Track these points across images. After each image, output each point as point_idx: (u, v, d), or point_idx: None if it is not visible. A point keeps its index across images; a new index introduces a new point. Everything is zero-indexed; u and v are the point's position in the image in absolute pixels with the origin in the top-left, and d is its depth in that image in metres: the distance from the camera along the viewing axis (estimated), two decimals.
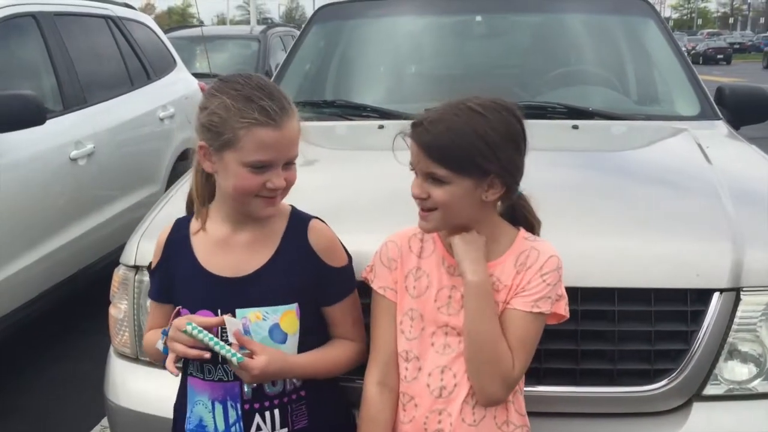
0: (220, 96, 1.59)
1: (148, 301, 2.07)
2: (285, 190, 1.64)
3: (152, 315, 1.83)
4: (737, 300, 1.83)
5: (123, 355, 2.16)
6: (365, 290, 1.75)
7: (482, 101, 1.55)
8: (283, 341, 1.66)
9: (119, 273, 2.16)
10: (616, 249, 1.88)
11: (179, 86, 5.77)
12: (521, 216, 1.68)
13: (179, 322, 1.59)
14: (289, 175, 1.62)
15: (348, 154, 2.80)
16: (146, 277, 2.08)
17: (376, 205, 2.12)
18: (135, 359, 2.13)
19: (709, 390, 1.86)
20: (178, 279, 1.73)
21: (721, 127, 3.04)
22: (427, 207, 1.56)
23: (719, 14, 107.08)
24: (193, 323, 1.56)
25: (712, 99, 3.23)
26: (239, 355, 1.54)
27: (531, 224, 1.69)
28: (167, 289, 1.75)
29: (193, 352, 1.58)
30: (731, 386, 1.86)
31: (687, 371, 1.82)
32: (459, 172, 1.51)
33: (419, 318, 1.64)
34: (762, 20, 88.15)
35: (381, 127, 2.87)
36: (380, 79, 3.53)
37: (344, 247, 1.76)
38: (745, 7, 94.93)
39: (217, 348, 1.54)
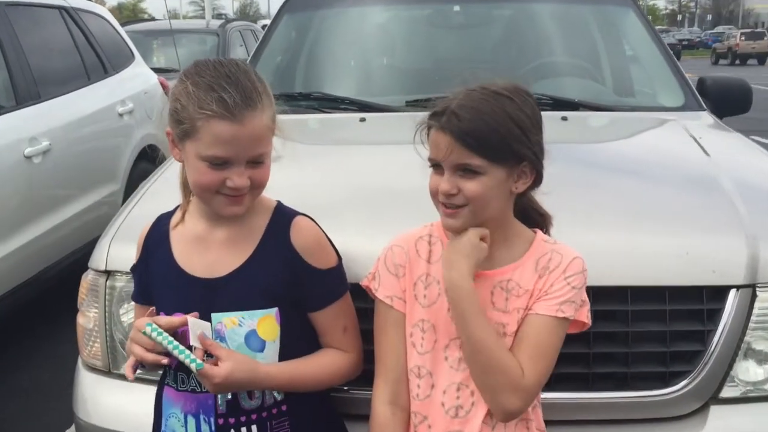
0: (186, 81, 1.46)
1: (120, 308, 1.92)
2: (255, 189, 1.50)
3: (136, 318, 1.70)
4: (753, 296, 1.75)
5: (93, 368, 1.99)
6: (364, 294, 1.62)
7: (504, 85, 1.43)
8: (261, 349, 1.52)
9: (88, 278, 1.99)
10: (628, 246, 1.78)
11: (138, 81, 5.55)
12: (531, 212, 1.57)
13: (140, 322, 1.47)
14: (257, 173, 1.48)
15: (331, 148, 2.65)
16: (118, 283, 1.94)
17: (371, 202, 2.00)
18: (107, 372, 1.96)
19: (726, 392, 1.77)
20: (155, 278, 1.61)
21: (707, 117, 2.98)
22: (456, 203, 1.42)
23: (667, 11, 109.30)
24: (153, 324, 1.44)
25: (695, 89, 3.17)
26: (198, 361, 1.41)
27: (543, 220, 1.58)
28: (147, 289, 1.63)
29: (151, 357, 1.46)
30: (747, 388, 1.78)
31: (704, 373, 1.74)
32: (495, 160, 1.39)
33: (431, 330, 1.51)
34: (709, 17, 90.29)
35: (362, 120, 2.73)
36: (358, 71, 3.39)
37: (334, 248, 1.62)
38: (692, 4, 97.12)
39: (175, 353, 1.42)
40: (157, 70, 6.25)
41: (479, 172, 1.39)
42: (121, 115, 5.05)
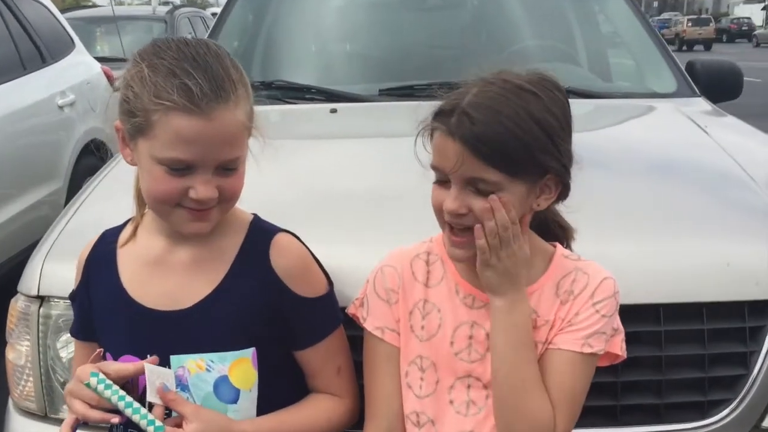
0: (141, 64, 1.17)
1: (57, 341, 1.62)
2: (225, 202, 1.22)
3: (76, 358, 1.43)
4: None
5: (26, 412, 1.68)
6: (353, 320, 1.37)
7: (528, 77, 1.18)
8: (234, 400, 1.25)
9: (17, 305, 1.68)
10: (658, 256, 1.55)
11: (80, 70, 5.17)
12: (552, 225, 1.33)
13: (82, 371, 1.19)
14: (227, 183, 1.20)
15: (301, 144, 2.34)
16: (54, 311, 1.63)
17: (357, 207, 1.73)
18: (43, 417, 1.66)
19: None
20: (98, 310, 1.32)
21: (703, 104, 2.77)
22: (465, 224, 1.17)
23: None
24: (100, 373, 1.16)
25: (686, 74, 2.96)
26: (158, 423, 1.14)
27: (564, 233, 1.34)
28: (89, 322, 1.34)
29: (96, 414, 1.17)
30: None
31: (747, 401, 1.52)
32: (515, 174, 1.13)
33: (431, 368, 1.27)
34: (655, 4, 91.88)
35: (334, 111, 2.44)
36: (324, 57, 3.10)
37: (324, 270, 1.35)
38: None
39: (128, 411, 1.15)
40: (100, 60, 5.86)
41: (494, 189, 1.14)
42: (61, 107, 4.69)
